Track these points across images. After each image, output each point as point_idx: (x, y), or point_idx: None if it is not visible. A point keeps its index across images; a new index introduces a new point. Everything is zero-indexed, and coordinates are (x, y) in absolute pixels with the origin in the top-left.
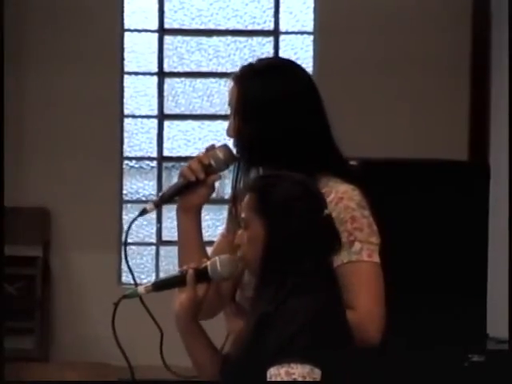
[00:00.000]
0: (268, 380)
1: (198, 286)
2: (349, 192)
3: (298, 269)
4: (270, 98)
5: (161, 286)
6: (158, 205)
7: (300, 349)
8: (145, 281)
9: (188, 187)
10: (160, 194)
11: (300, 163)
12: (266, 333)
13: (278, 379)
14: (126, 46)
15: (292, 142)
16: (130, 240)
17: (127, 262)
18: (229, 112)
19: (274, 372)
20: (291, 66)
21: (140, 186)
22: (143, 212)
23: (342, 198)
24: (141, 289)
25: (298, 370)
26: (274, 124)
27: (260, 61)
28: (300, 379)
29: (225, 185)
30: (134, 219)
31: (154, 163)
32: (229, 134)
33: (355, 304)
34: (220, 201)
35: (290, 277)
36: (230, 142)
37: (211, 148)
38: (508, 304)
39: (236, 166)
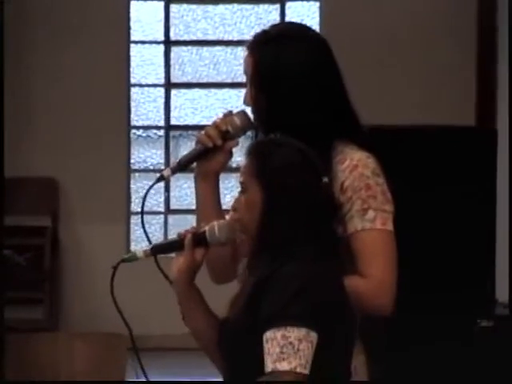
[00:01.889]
0: (265, 343)
1: (196, 251)
2: (363, 159)
3: (295, 235)
4: (285, 66)
5: (159, 249)
6: (176, 171)
7: (296, 313)
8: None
9: (205, 153)
10: (177, 159)
11: (316, 129)
12: (262, 297)
13: (275, 342)
14: (131, 15)
15: (308, 108)
16: (138, 209)
17: (144, 228)
18: (244, 80)
19: (271, 335)
20: (306, 32)
21: (148, 155)
22: (161, 178)
23: (356, 166)
24: (139, 252)
25: (294, 334)
26: (290, 92)
27: (274, 27)
28: (296, 342)
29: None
30: (151, 186)
31: (162, 132)
32: (245, 102)
33: (368, 272)
34: (234, 169)
35: (287, 242)
36: (247, 109)
37: (229, 114)
38: (508, 270)
39: (253, 133)
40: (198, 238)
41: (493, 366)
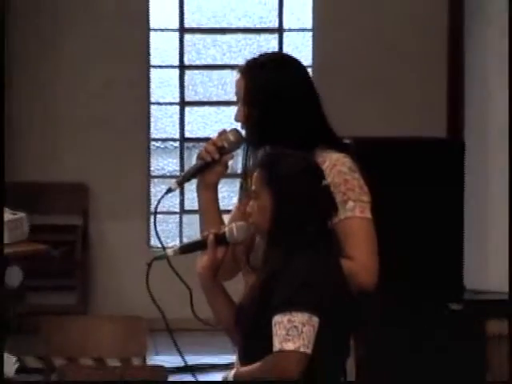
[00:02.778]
0: (273, 326)
1: (217, 249)
2: (340, 159)
3: (301, 232)
4: (272, 88)
5: (186, 249)
6: (181, 183)
7: (301, 300)
8: (170, 244)
9: (206, 167)
10: (182, 174)
11: (299, 141)
12: (273, 286)
13: (282, 326)
14: (151, 43)
15: (291, 123)
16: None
17: (156, 229)
18: (236, 100)
19: (278, 319)
20: (289, 60)
21: (165, 163)
22: (169, 190)
23: (335, 165)
24: (169, 252)
25: (298, 318)
26: (276, 110)
27: (263, 55)
28: (300, 326)
29: (238, 161)
30: (162, 197)
31: (177, 143)
32: (237, 119)
33: (352, 255)
34: (234, 175)
35: (294, 239)
36: (239, 126)
37: (223, 132)
38: (508, 259)
39: (245, 147)
40: (219, 238)
41: (462, 344)
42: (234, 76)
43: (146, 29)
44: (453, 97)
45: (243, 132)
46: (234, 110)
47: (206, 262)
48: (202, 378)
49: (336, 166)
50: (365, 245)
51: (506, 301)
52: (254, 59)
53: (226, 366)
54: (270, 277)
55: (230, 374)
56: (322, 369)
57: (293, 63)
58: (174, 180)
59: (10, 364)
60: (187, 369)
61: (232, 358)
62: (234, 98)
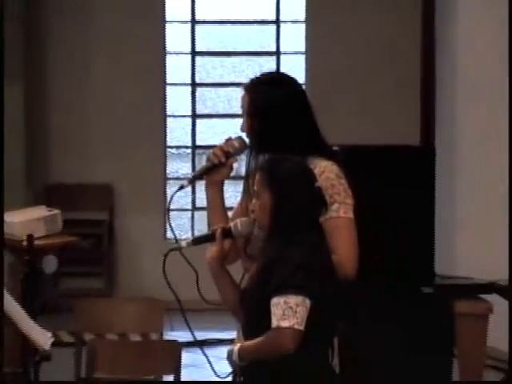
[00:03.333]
0: (271, 307)
1: (224, 241)
2: (328, 166)
3: (296, 226)
4: (272, 103)
5: (198, 241)
6: (192, 182)
7: (295, 285)
8: (184, 237)
9: (213, 168)
10: (193, 173)
11: (294, 149)
12: (271, 272)
13: (279, 306)
14: (167, 64)
15: (288, 133)
16: (172, 207)
17: (170, 224)
18: (241, 113)
19: (276, 301)
20: (287, 79)
21: (179, 167)
22: (181, 188)
23: (323, 171)
24: (183, 243)
25: (293, 300)
26: (275, 121)
27: (264, 74)
28: (294, 306)
29: (241, 165)
30: (175, 193)
31: (189, 150)
32: (242, 129)
33: (336, 249)
34: (237, 177)
35: (290, 233)
36: (243, 135)
37: (229, 139)
38: (508, 251)
39: (248, 152)
40: (226, 232)
41: (433, 321)
42: (239, 92)
43: (162, 52)
44: (425, 112)
45: (247, 140)
46: (238, 121)
47: (214, 253)
48: (209, 351)
49: (324, 173)
50: (347, 240)
51: (470, 284)
52: (257, 78)
53: (231, 341)
54: (269, 264)
55: (235, 348)
56: (314, 344)
57: (290, 81)
58: (186, 180)
59: (47, 338)
60: (197, 343)
61: (234, 334)
62: (238, 112)
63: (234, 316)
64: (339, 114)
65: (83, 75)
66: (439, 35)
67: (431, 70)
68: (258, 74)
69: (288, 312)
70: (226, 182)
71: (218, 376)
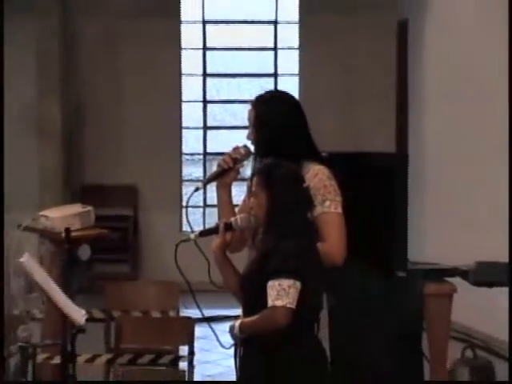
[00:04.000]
0: (267, 289)
1: (226, 234)
2: (321, 170)
3: (288, 222)
4: (273, 117)
5: (204, 233)
6: (205, 184)
7: (288, 270)
8: (196, 230)
9: (223, 173)
10: (206, 177)
11: (292, 155)
12: (267, 260)
13: (274, 288)
14: (183, 84)
15: (287, 142)
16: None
17: (187, 219)
18: (247, 124)
19: (271, 284)
20: (286, 96)
21: (192, 171)
22: (196, 189)
23: (317, 174)
24: (192, 235)
25: (286, 283)
26: (277, 132)
27: (268, 92)
28: (287, 288)
29: (246, 170)
30: (192, 194)
31: (201, 157)
32: (248, 138)
33: (327, 239)
34: (243, 179)
35: (283, 227)
36: (249, 144)
37: (236, 147)
38: (508, 251)
39: (253, 158)
40: (227, 226)
41: (405, 302)
42: (244, 108)
43: (178, 75)
44: (400, 125)
45: (251, 147)
46: (243, 132)
47: (218, 243)
48: (217, 325)
49: (318, 175)
50: (337, 232)
51: (437, 269)
52: (261, 95)
53: (236, 317)
54: (266, 254)
55: (236, 323)
56: (302, 319)
57: (289, 98)
58: (199, 182)
59: (81, 315)
60: (206, 319)
61: (239, 311)
62: (243, 124)
63: (234, 296)
64: (327, 126)
65: (114, 93)
66: (410, 58)
67: (405, 91)
68: (263, 92)
69: (281, 293)
70: (234, 183)
71: (223, 347)
